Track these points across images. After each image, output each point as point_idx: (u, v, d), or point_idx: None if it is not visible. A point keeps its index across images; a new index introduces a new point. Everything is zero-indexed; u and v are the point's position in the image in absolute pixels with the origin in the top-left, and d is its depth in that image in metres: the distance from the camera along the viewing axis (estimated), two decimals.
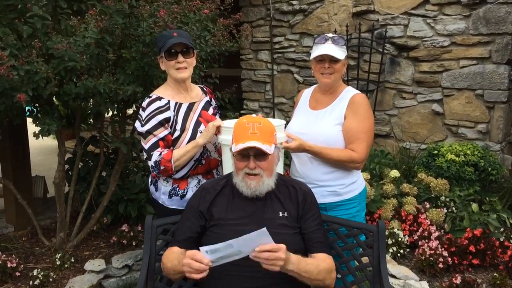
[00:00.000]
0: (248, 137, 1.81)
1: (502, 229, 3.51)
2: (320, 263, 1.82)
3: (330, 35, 2.22)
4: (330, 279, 1.84)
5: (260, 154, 1.82)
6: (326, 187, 2.24)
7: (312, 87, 2.47)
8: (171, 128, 2.26)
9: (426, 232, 3.44)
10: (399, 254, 3.40)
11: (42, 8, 2.59)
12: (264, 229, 1.58)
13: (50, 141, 7.11)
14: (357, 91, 2.30)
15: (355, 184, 2.29)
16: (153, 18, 2.77)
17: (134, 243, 3.56)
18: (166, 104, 2.26)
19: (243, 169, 1.84)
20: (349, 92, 2.29)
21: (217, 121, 2.23)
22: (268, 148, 1.81)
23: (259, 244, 1.59)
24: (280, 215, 1.88)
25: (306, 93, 2.46)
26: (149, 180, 2.43)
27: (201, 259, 1.62)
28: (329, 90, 2.31)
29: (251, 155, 1.83)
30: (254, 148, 1.80)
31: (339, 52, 2.18)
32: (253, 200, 1.88)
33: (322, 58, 2.21)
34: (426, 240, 3.36)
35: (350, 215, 2.26)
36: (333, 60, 2.19)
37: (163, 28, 2.71)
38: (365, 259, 2.11)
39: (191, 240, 1.89)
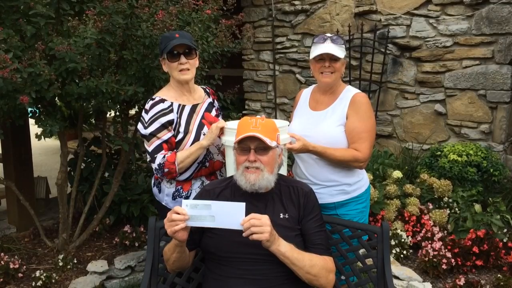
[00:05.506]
0: (249, 130, 1.80)
1: (505, 230, 3.50)
2: (315, 258, 1.79)
3: (329, 34, 2.23)
4: (326, 279, 1.79)
5: (261, 148, 1.81)
6: (335, 187, 2.26)
7: (311, 87, 2.45)
8: (174, 130, 2.25)
9: (429, 233, 3.43)
10: (402, 255, 3.39)
11: (45, 7, 2.58)
12: (243, 204, 1.64)
13: (52, 142, 7.10)
14: (358, 90, 2.30)
15: (361, 181, 2.32)
16: (151, 19, 2.76)
17: (136, 244, 3.56)
18: (169, 107, 2.25)
19: (243, 163, 1.82)
20: (350, 91, 2.29)
21: (221, 122, 2.21)
22: (269, 141, 1.80)
23: (232, 218, 1.64)
24: (281, 216, 1.85)
25: (305, 93, 2.45)
26: (152, 182, 2.42)
27: (181, 211, 1.66)
28: (329, 90, 2.30)
29: (252, 148, 1.81)
30: (255, 140, 1.79)
31: (339, 51, 2.19)
32: (254, 201, 1.85)
33: (322, 57, 2.21)
34: (429, 241, 3.35)
35: (358, 210, 2.29)
36: (333, 59, 2.20)
37: (162, 30, 2.70)
38: (369, 261, 2.11)
39: (189, 241, 1.87)
